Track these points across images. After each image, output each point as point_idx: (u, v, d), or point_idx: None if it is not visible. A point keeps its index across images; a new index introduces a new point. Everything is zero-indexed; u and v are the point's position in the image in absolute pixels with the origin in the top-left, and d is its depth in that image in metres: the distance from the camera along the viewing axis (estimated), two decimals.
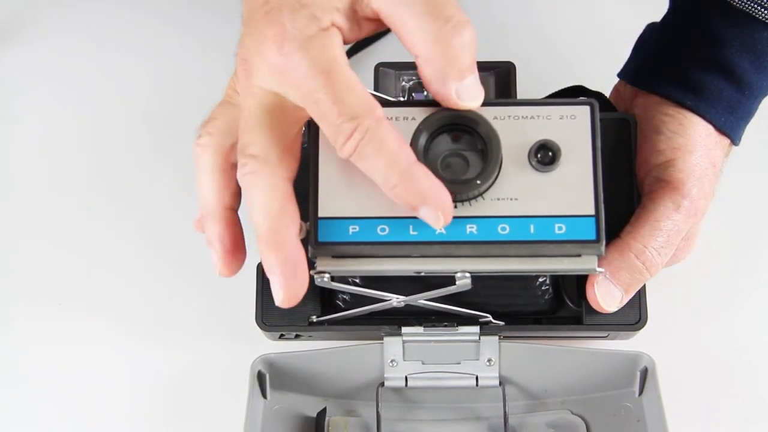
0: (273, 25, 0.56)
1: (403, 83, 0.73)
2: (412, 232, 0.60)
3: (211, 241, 0.62)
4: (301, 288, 0.59)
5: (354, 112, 0.56)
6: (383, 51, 0.84)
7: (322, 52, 0.56)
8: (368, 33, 0.60)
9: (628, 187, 0.70)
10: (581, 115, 0.61)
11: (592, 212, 0.60)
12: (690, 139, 0.70)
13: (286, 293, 0.58)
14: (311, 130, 0.61)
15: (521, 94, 0.72)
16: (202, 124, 0.62)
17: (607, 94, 0.74)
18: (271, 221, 0.58)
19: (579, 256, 0.60)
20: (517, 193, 0.60)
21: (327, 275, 0.61)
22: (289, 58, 0.56)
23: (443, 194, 0.57)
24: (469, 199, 0.60)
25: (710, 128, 0.70)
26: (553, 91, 0.74)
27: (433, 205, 0.57)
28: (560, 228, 0.60)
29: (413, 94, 0.72)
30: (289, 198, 0.58)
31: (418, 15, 0.57)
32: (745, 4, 0.69)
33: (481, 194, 0.60)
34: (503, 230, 0.60)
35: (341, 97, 0.56)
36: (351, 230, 0.60)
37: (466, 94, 0.58)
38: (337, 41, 0.57)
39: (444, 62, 0.57)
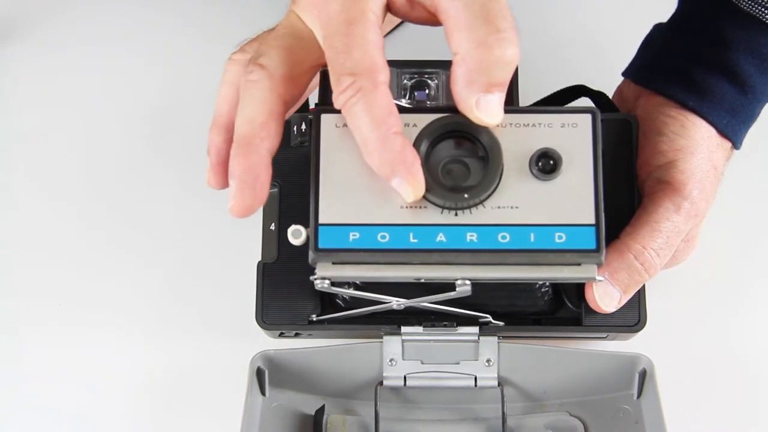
0: None
1: (405, 81, 0.72)
2: (412, 240, 0.60)
3: (209, 151, 0.63)
4: (254, 202, 0.59)
5: (355, 68, 0.57)
6: (386, 49, 0.83)
7: (355, 2, 0.57)
8: (417, 18, 0.61)
9: (629, 188, 0.70)
10: (583, 123, 0.61)
11: (593, 221, 0.60)
12: (692, 140, 0.70)
13: (239, 202, 0.59)
14: (312, 138, 0.61)
15: (522, 93, 0.71)
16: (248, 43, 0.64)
17: (610, 94, 0.74)
18: (250, 129, 0.59)
19: (579, 264, 0.60)
20: (518, 202, 0.60)
21: (327, 281, 0.61)
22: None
23: (415, 170, 0.58)
24: (469, 207, 0.60)
25: (712, 130, 0.70)
26: (555, 90, 0.74)
27: (404, 178, 0.57)
28: (560, 237, 0.60)
29: (415, 93, 0.72)
30: (276, 117, 0.60)
31: (473, 16, 0.57)
32: (753, 7, 0.69)
33: (481, 202, 0.60)
34: (503, 239, 0.60)
35: (350, 50, 0.57)
36: (351, 237, 0.60)
37: (486, 107, 0.58)
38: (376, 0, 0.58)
39: (478, 68, 0.57)
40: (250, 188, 0.59)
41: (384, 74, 0.57)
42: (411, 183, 0.58)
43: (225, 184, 0.61)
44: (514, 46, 0.57)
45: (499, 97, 0.58)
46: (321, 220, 0.60)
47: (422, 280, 0.61)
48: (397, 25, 0.85)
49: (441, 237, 0.60)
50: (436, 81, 0.71)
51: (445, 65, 0.72)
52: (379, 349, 0.71)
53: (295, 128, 0.70)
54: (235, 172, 0.59)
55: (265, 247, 0.70)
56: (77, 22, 0.88)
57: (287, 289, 0.70)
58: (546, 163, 0.60)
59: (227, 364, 0.75)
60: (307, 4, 0.60)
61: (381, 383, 0.71)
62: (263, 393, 0.71)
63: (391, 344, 0.71)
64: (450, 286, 0.61)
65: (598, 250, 0.60)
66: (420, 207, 0.60)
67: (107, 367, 0.76)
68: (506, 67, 0.57)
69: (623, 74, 0.74)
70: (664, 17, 0.74)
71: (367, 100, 0.57)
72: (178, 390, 0.75)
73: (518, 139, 0.61)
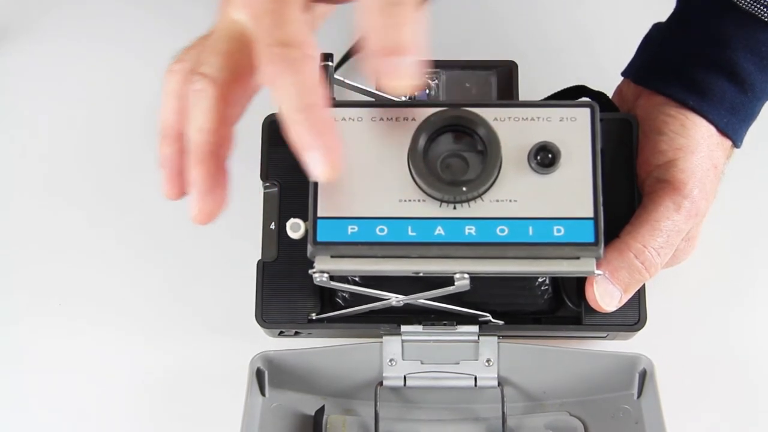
0: None
1: None
2: (410, 233, 0.60)
3: (162, 164, 0.64)
4: (216, 206, 0.60)
5: (287, 40, 0.57)
6: None
7: None
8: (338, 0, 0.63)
9: (629, 188, 0.70)
10: (581, 117, 0.61)
11: (591, 215, 0.60)
12: (692, 139, 0.70)
13: (201, 208, 0.60)
14: None
15: (523, 93, 0.72)
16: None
17: (610, 94, 0.74)
18: (202, 137, 0.60)
19: (577, 258, 0.60)
20: (517, 195, 0.60)
21: (326, 275, 0.61)
22: None
23: (335, 146, 0.56)
24: (468, 200, 0.60)
25: (712, 129, 0.70)
26: (555, 91, 0.74)
27: (322, 153, 0.56)
28: (559, 230, 0.60)
29: (416, 93, 0.72)
30: (226, 121, 0.60)
31: None
32: (751, 5, 0.69)
33: (480, 195, 0.60)
34: (502, 232, 0.60)
35: (283, 24, 0.57)
36: (350, 230, 0.60)
37: (396, 71, 0.56)
38: None
39: (382, 34, 0.56)
40: (211, 195, 0.60)
41: (315, 51, 0.57)
42: (327, 160, 0.56)
43: (182, 194, 0.63)
44: (413, 8, 0.56)
45: (410, 60, 0.56)
46: (319, 214, 0.60)
47: (421, 274, 0.61)
48: None
49: (439, 230, 0.60)
50: (436, 81, 0.72)
51: (445, 65, 0.72)
52: (379, 350, 0.71)
53: None
54: (195, 181, 0.60)
55: (265, 246, 0.70)
56: (77, 22, 0.88)
57: (287, 288, 0.70)
58: (545, 157, 0.60)
59: (227, 364, 0.74)
60: (241, 2, 0.60)
61: (381, 383, 0.71)
62: (263, 393, 0.71)
63: (391, 344, 0.71)
64: (449, 282, 0.61)
65: (596, 243, 0.60)
66: (419, 200, 0.60)
67: (107, 366, 0.76)
68: (408, 28, 0.56)
69: (623, 74, 0.74)
70: (663, 17, 0.74)
71: (297, 69, 0.56)
72: (178, 390, 0.75)
73: (517, 133, 0.61)
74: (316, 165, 0.56)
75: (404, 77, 0.56)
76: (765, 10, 0.69)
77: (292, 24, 0.57)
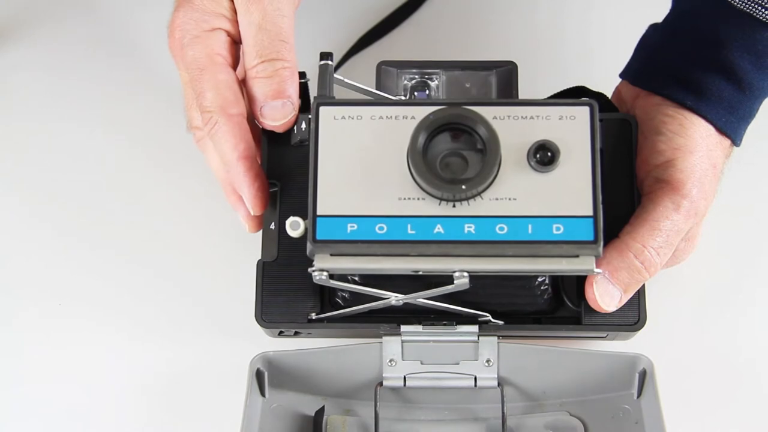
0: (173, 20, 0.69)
1: (405, 82, 0.73)
2: (410, 231, 0.60)
3: (235, 209, 0.72)
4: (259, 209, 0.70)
5: (210, 106, 0.67)
6: (386, 49, 0.84)
7: (204, 49, 0.68)
8: None
9: (628, 188, 0.70)
10: (581, 115, 0.61)
11: (590, 213, 0.60)
12: (690, 139, 0.70)
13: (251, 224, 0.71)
14: (311, 130, 0.61)
15: (523, 94, 0.72)
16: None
17: (609, 95, 0.74)
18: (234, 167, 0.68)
19: (577, 256, 0.60)
20: (516, 193, 0.60)
21: (325, 273, 0.61)
22: (185, 49, 0.68)
23: (254, 190, 0.68)
24: (467, 199, 0.60)
25: (711, 129, 0.70)
26: (555, 91, 0.74)
27: (246, 197, 0.68)
28: (558, 228, 0.60)
29: (415, 93, 0.73)
30: (248, 141, 0.68)
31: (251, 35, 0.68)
32: (746, 4, 0.69)
33: (479, 194, 0.60)
34: (501, 230, 0.60)
35: (204, 92, 0.67)
36: (349, 228, 0.60)
37: (268, 114, 0.67)
38: (219, 41, 0.68)
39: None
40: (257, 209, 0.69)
41: (236, 108, 0.67)
42: (249, 201, 0.68)
43: (259, 227, 0.71)
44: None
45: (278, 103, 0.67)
46: (319, 212, 0.60)
47: (420, 272, 0.61)
48: (397, 24, 0.85)
49: (439, 228, 0.60)
50: (436, 81, 0.72)
51: (445, 65, 0.72)
52: (379, 350, 0.71)
53: (295, 128, 0.70)
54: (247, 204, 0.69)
55: (264, 246, 0.70)
56: (77, 21, 0.88)
57: (287, 288, 0.70)
58: (544, 155, 0.60)
59: (227, 364, 0.75)
60: (174, 57, 0.70)
61: (381, 384, 0.71)
62: (263, 394, 0.71)
63: (391, 345, 0.71)
64: (448, 281, 0.61)
65: (595, 241, 0.60)
66: (418, 199, 0.60)
67: (107, 367, 0.76)
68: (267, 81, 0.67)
69: (621, 75, 0.74)
70: (661, 17, 0.74)
71: (224, 130, 0.66)
72: (178, 390, 0.75)
73: (516, 131, 0.61)
74: (246, 203, 0.69)
75: (270, 118, 0.67)
76: (760, 8, 0.69)
77: (214, 90, 0.67)
